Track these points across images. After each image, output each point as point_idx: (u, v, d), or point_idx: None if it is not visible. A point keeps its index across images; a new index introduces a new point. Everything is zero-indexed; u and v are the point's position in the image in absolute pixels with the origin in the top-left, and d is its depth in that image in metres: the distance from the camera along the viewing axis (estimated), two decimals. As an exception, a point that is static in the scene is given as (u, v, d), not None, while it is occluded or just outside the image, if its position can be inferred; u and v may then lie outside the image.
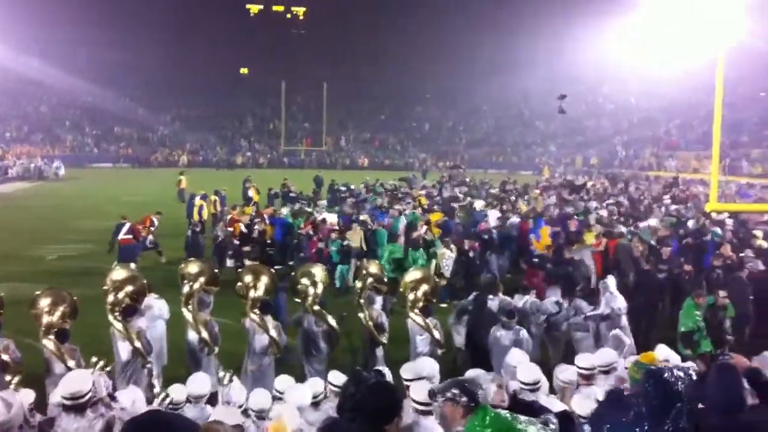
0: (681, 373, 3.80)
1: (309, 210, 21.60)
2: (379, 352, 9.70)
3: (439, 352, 9.26)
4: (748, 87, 52.69)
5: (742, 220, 18.87)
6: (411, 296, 9.57)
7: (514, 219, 19.43)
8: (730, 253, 14.23)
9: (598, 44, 60.15)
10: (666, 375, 3.77)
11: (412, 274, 10.06)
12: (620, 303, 10.73)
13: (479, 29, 71.13)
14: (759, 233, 16.55)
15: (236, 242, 17.24)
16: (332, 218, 18.93)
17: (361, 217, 19.30)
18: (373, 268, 10.53)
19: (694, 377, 3.96)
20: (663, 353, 7.42)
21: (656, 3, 50.31)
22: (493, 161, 63.99)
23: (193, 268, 9.61)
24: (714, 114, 14.38)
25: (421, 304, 9.49)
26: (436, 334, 9.28)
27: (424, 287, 9.63)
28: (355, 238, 16.82)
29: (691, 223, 18.13)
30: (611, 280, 11.19)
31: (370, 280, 10.24)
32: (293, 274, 10.71)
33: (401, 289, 9.92)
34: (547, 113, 67.25)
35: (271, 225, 18.90)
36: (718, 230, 16.97)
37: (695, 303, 10.53)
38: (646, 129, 59.58)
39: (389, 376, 6.54)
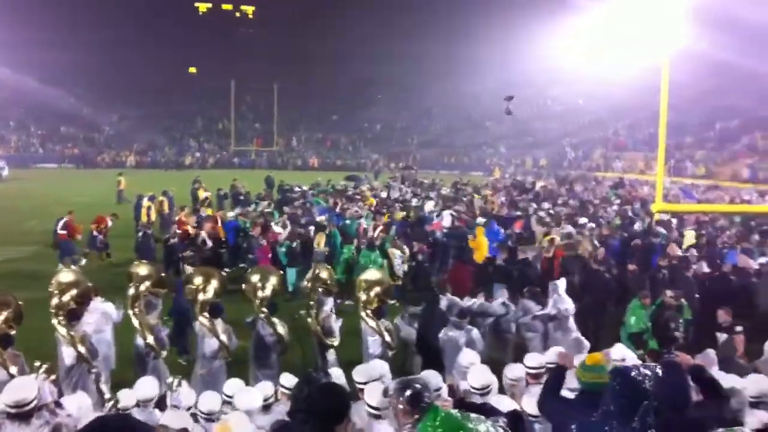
0: (648, 371, 3.86)
1: (258, 211, 21.36)
2: (331, 354, 9.66)
3: (390, 353, 9.24)
4: (692, 89, 54.01)
5: (683, 220, 19.38)
6: (363, 297, 9.53)
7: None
8: (677, 253, 14.56)
9: (547, 47, 61.00)
10: (633, 373, 3.83)
11: (367, 275, 10.02)
12: (568, 304, 10.90)
13: (431, 31, 71.48)
14: (689, 233, 17.02)
15: (185, 244, 16.99)
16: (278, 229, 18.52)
17: (318, 218, 19.23)
18: (322, 271, 10.48)
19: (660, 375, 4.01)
20: (619, 353, 7.55)
21: (605, 6, 51.27)
22: (444, 162, 64.37)
23: (140, 270, 9.45)
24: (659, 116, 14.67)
25: (374, 305, 9.46)
26: (387, 336, 9.26)
27: (377, 289, 9.58)
28: (320, 241, 16.71)
29: (637, 225, 18.51)
30: (561, 282, 11.31)
31: (319, 282, 10.19)
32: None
33: (357, 290, 9.86)
34: (496, 115, 67.56)
35: (222, 228, 18.70)
36: (663, 230, 17.37)
37: (641, 303, 10.74)
38: (595, 130, 60.60)
39: (341, 378, 6.55)
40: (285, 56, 72.73)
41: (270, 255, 16.21)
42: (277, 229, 17.74)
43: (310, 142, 72.42)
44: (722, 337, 9.71)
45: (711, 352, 7.82)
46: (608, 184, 35.92)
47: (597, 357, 5.35)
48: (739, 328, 9.38)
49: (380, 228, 17.19)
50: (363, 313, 9.43)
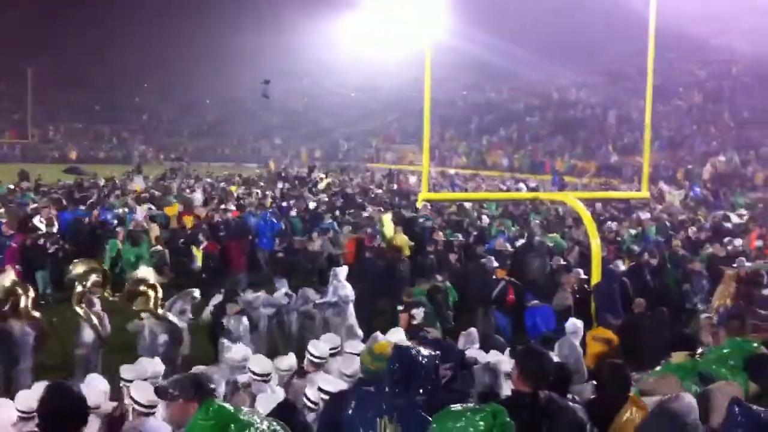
0: (426, 352, 3.95)
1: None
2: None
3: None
4: (454, 84, 57.42)
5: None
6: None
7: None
8: (442, 238, 15.30)
9: (322, 38, 61.67)
10: (413, 352, 3.90)
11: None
12: (348, 291, 11.08)
13: (202, 20, 69.35)
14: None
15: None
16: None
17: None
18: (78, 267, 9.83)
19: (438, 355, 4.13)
20: (397, 336, 7.75)
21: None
22: (218, 154, 62.90)
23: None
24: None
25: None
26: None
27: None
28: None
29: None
30: (342, 269, 11.49)
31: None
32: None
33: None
34: (272, 106, 67.50)
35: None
36: (430, 217, 18.26)
37: (421, 290, 11.18)
38: (368, 122, 62.24)
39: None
40: (41, 42, 66.76)
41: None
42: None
43: (70, 133, 67.43)
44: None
45: (473, 331, 8.27)
46: (380, 175, 37.12)
47: (385, 346, 5.37)
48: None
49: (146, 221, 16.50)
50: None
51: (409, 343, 4.15)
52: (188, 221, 17.95)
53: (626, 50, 41.98)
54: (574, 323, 8.86)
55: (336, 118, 65.90)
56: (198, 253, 15.41)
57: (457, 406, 3.16)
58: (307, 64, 66.38)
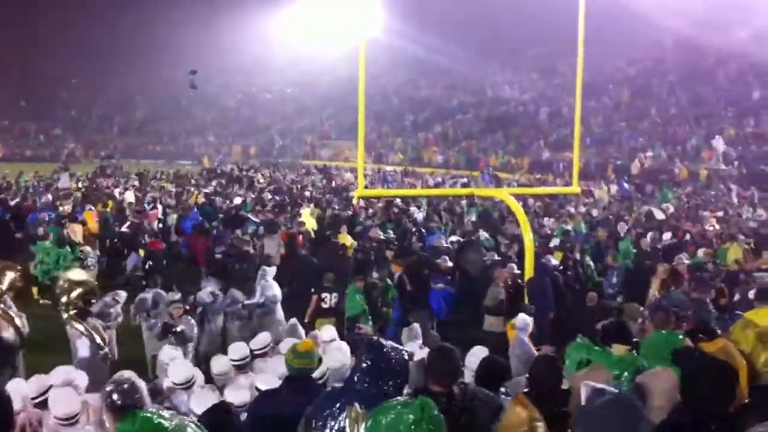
0: (397, 347, 3.99)
1: None
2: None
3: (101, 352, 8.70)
4: (390, 81, 57.65)
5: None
6: (64, 299, 8.86)
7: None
8: (380, 236, 15.28)
9: (256, 34, 61.05)
10: (384, 347, 3.91)
11: (68, 275, 9.38)
12: (275, 291, 11.00)
13: (133, 15, 67.74)
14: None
15: None
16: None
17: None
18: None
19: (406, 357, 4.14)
20: (329, 334, 7.71)
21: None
22: (149, 151, 61.53)
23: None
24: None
25: (77, 306, 8.87)
26: (97, 338, 8.68)
27: (79, 289, 8.96)
28: None
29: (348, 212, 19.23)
30: (270, 269, 11.34)
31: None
32: None
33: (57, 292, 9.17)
34: (205, 102, 66.65)
35: None
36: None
37: (356, 287, 11.11)
38: (303, 118, 61.88)
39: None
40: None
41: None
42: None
43: (-5, 131, 65.12)
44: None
45: (416, 326, 8.29)
46: (315, 171, 37.00)
47: (309, 343, 5.37)
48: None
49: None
50: (66, 315, 8.79)
51: (380, 339, 4.10)
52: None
53: (558, 47, 42.73)
54: (524, 319, 8.88)
55: (271, 114, 65.37)
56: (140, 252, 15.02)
57: (391, 402, 3.15)
58: (240, 60, 65.62)
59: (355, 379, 3.85)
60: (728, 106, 36.11)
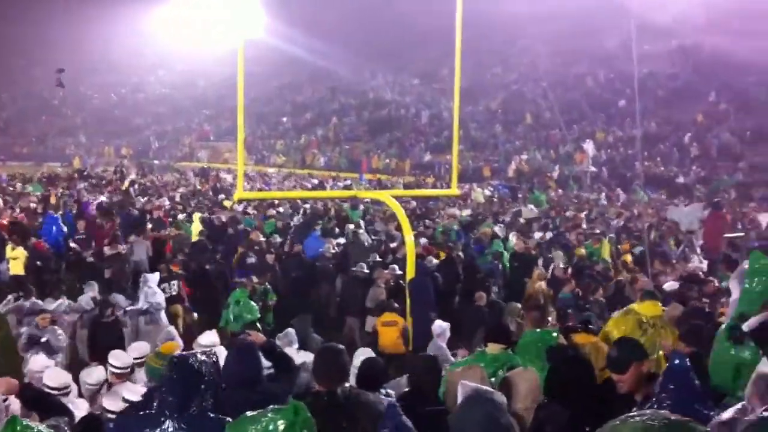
0: (204, 357, 3.82)
1: None
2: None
3: None
4: (274, 81, 57.15)
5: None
6: None
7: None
8: (260, 239, 15.04)
9: (131, 32, 59.16)
10: (191, 360, 3.75)
11: None
12: (159, 298, 10.71)
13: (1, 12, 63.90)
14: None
15: None
16: None
17: None
18: None
19: (216, 359, 4.02)
20: (208, 339, 7.52)
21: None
22: (16, 152, 58.17)
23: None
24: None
25: None
26: None
27: None
28: None
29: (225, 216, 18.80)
30: (153, 275, 11.07)
31: None
32: None
33: None
34: (76, 102, 63.85)
35: None
36: (250, 219, 17.95)
37: (244, 291, 10.95)
38: (180, 119, 60.37)
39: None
40: None
41: None
42: None
43: None
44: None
45: (290, 332, 8.18)
46: (192, 173, 36.12)
47: (172, 346, 5.27)
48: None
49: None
50: None
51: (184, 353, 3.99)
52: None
53: (438, 52, 43.65)
54: (440, 325, 8.94)
55: (146, 115, 63.39)
56: (19, 255, 13.94)
57: (261, 411, 3.08)
58: (114, 60, 63.16)
59: (166, 400, 3.65)
60: (598, 111, 37.97)
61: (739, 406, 3.00)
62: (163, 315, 10.70)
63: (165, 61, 62.76)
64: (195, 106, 61.01)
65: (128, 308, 10.57)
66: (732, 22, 35.35)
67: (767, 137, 30.84)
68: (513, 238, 15.74)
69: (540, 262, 13.68)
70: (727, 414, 2.80)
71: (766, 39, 31.89)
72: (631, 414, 2.04)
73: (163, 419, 3.57)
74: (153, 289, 10.78)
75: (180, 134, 57.38)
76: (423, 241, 15.18)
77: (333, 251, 14.45)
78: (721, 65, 35.30)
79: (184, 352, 3.98)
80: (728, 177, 27.97)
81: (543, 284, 11.58)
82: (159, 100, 65.34)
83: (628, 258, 14.25)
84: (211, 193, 24.58)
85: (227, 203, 20.42)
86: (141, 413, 3.77)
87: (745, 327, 4.57)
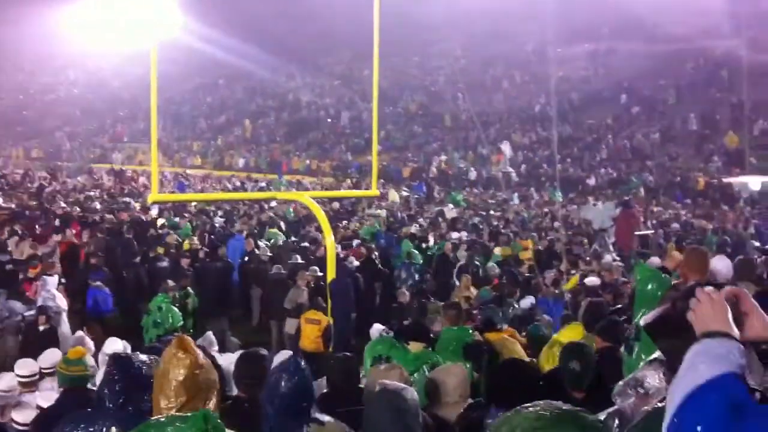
0: (145, 358, 3.77)
1: None
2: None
3: None
4: (190, 81, 56.08)
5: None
6: None
7: None
8: (175, 242, 14.77)
9: (38, 30, 57.14)
10: (132, 360, 3.73)
11: None
12: (59, 302, 10.37)
13: None
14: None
15: None
16: None
17: None
18: None
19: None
20: (111, 347, 7.35)
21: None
22: None
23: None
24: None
25: None
26: None
27: None
28: None
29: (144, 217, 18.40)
30: (51, 279, 10.73)
31: None
32: None
33: None
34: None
35: None
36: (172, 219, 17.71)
37: (167, 296, 10.72)
38: (93, 120, 58.55)
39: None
40: None
41: None
42: None
43: None
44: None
45: (209, 335, 8.09)
46: (105, 174, 35.21)
47: (80, 351, 5.25)
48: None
49: None
50: None
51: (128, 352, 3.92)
52: None
53: (358, 53, 43.75)
54: (377, 329, 8.92)
55: (56, 116, 61.12)
56: None
57: (167, 416, 2.98)
58: (20, 58, 60.73)
59: (106, 398, 3.57)
60: (513, 114, 38.80)
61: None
62: (64, 319, 10.37)
63: (76, 61, 60.73)
64: (108, 107, 59.28)
65: (27, 314, 10.19)
66: (644, 26, 36.85)
67: (674, 139, 32.23)
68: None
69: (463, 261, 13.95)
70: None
71: (676, 43, 33.37)
72: (526, 405, 2.07)
73: (99, 418, 3.49)
74: (51, 293, 10.44)
75: (93, 135, 55.70)
76: (356, 242, 15.27)
77: (268, 254, 14.32)
78: (633, 69, 36.71)
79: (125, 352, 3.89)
80: (636, 178, 28.96)
81: (471, 291, 11.79)
82: (70, 101, 63.18)
83: (527, 255, 14.57)
84: (127, 198, 23.99)
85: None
86: (78, 412, 3.69)
87: (642, 321, 4.72)
